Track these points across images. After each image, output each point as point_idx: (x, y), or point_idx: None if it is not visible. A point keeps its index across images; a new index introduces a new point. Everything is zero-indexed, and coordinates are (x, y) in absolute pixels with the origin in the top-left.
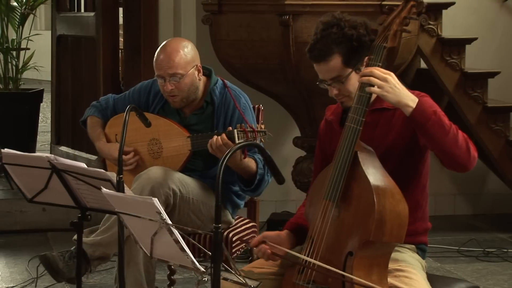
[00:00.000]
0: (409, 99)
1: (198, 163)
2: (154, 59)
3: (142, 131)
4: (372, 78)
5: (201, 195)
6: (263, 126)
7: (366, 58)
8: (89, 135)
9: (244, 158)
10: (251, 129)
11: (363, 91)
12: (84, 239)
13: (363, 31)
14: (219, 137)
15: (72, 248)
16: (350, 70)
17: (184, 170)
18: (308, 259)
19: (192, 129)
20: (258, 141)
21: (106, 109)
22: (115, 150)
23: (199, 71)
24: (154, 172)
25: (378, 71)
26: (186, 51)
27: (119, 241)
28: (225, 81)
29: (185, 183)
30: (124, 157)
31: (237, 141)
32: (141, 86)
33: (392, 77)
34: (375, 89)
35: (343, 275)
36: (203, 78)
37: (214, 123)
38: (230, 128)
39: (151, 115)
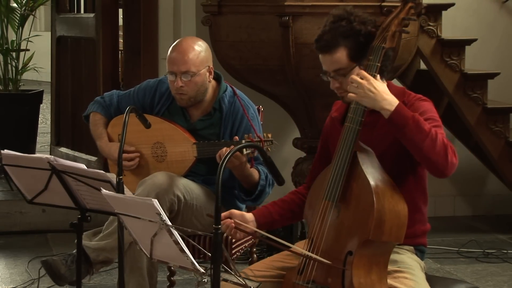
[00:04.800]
0: (386, 103)
1: (201, 168)
2: (168, 54)
3: (146, 133)
4: (348, 87)
5: (205, 201)
6: (270, 135)
7: (367, 57)
8: (91, 132)
9: (251, 167)
10: (259, 139)
11: None
12: (88, 242)
13: (371, 29)
14: (228, 148)
15: (74, 251)
16: (354, 64)
17: (188, 174)
18: (304, 251)
19: (198, 134)
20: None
21: (109, 106)
22: (116, 150)
23: (210, 73)
24: (159, 178)
25: (354, 77)
26: (201, 50)
27: (119, 243)
28: (234, 88)
29: (189, 190)
30: (125, 155)
31: (244, 151)
32: (147, 85)
33: (367, 82)
34: (351, 95)
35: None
36: (213, 83)
37: (221, 131)
38: (237, 138)
39: (156, 118)
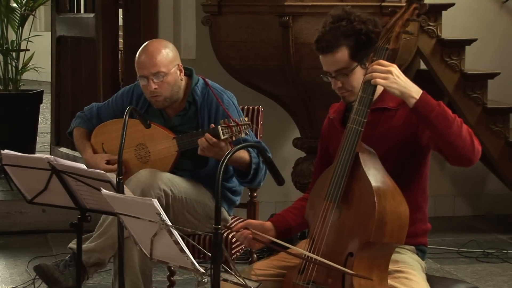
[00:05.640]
0: (413, 90)
1: (188, 164)
2: (136, 60)
3: (128, 137)
4: (375, 73)
5: (194, 193)
6: (246, 119)
7: (370, 57)
8: (76, 147)
9: None
10: (235, 123)
11: (365, 92)
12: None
13: (372, 27)
14: (204, 138)
15: (67, 257)
16: (355, 64)
17: (175, 171)
18: (307, 253)
19: (177, 130)
20: (243, 134)
21: (91, 119)
22: (101, 160)
23: (180, 71)
24: (143, 174)
25: (381, 63)
26: (168, 50)
27: (119, 242)
28: (206, 79)
29: (175, 183)
30: (110, 166)
31: (222, 137)
32: (123, 91)
33: (395, 69)
34: (380, 80)
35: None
36: (184, 78)
37: (199, 123)
38: (213, 125)
39: (136, 120)
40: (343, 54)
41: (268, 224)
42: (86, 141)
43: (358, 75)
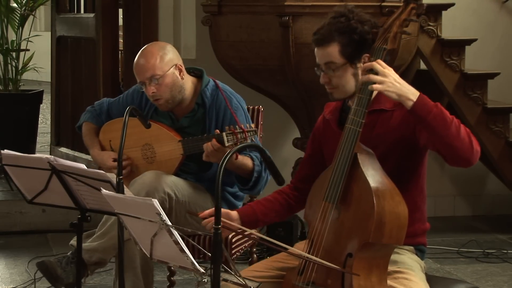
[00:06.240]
0: (410, 93)
1: (193, 166)
2: (133, 67)
3: (135, 136)
4: (371, 76)
5: (197, 198)
6: (253, 125)
7: (366, 59)
8: (84, 142)
9: (236, 158)
10: (241, 130)
11: (363, 93)
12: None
13: (368, 29)
14: (210, 143)
15: (68, 253)
16: (345, 61)
17: (179, 173)
18: (306, 254)
19: (184, 132)
20: (248, 141)
21: (100, 115)
22: (108, 158)
23: (180, 71)
24: (148, 176)
25: (378, 66)
26: (162, 53)
27: (119, 242)
28: (217, 81)
29: (180, 186)
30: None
31: (226, 144)
32: (134, 89)
33: (391, 72)
34: (377, 85)
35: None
36: (193, 80)
37: (206, 125)
38: (218, 131)
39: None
40: (333, 49)
41: (234, 213)
42: (94, 137)
43: (346, 74)
